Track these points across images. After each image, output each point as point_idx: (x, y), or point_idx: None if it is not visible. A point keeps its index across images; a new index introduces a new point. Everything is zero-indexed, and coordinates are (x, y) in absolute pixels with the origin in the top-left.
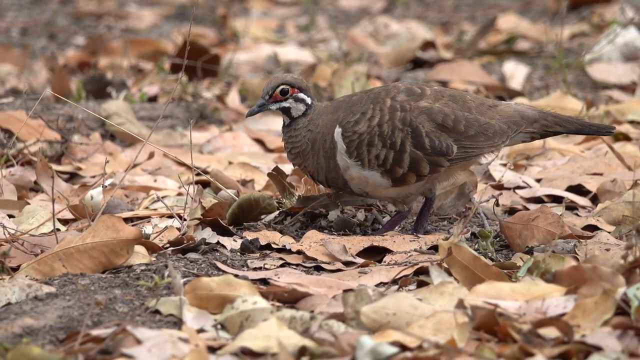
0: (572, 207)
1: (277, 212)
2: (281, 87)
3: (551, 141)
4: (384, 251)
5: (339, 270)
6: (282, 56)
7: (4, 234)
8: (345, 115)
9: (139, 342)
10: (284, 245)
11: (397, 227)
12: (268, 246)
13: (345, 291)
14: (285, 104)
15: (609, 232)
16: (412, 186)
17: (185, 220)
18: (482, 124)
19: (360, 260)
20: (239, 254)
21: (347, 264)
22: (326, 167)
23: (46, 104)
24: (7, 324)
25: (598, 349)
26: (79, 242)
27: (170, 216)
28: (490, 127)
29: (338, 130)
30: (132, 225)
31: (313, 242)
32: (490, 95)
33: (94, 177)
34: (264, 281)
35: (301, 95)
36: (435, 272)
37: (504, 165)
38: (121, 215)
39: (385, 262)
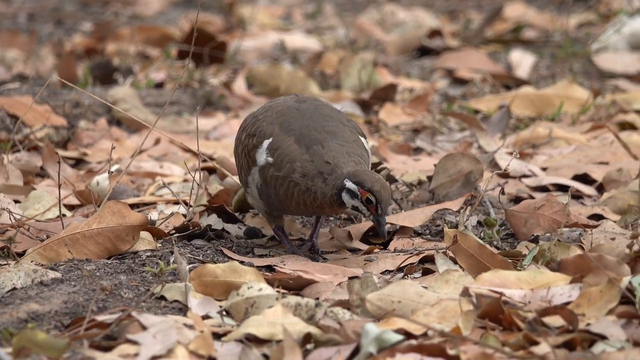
0: (577, 196)
1: None
2: None
3: (557, 130)
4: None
5: (344, 257)
6: (289, 43)
7: (10, 219)
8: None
9: (144, 327)
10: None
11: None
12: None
13: (350, 278)
14: None
15: (615, 222)
16: None
17: (191, 206)
18: None
19: (364, 247)
20: (244, 240)
21: (352, 250)
22: None
23: (53, 89)
24: (13, 309)
25: (603, 337)
26: (85, 227)
27: (176, 202)
28: None
29: None
30: (138, 211)
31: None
32: (497, 83)
33: (100, 162)
34: (270, 268)
35: None
36: (441, 260)
37: (510, 153)
38: (127, 201)
39: (390, 249)
